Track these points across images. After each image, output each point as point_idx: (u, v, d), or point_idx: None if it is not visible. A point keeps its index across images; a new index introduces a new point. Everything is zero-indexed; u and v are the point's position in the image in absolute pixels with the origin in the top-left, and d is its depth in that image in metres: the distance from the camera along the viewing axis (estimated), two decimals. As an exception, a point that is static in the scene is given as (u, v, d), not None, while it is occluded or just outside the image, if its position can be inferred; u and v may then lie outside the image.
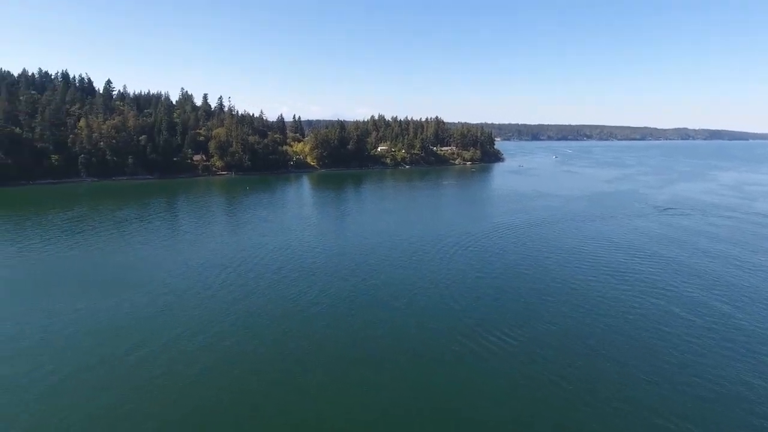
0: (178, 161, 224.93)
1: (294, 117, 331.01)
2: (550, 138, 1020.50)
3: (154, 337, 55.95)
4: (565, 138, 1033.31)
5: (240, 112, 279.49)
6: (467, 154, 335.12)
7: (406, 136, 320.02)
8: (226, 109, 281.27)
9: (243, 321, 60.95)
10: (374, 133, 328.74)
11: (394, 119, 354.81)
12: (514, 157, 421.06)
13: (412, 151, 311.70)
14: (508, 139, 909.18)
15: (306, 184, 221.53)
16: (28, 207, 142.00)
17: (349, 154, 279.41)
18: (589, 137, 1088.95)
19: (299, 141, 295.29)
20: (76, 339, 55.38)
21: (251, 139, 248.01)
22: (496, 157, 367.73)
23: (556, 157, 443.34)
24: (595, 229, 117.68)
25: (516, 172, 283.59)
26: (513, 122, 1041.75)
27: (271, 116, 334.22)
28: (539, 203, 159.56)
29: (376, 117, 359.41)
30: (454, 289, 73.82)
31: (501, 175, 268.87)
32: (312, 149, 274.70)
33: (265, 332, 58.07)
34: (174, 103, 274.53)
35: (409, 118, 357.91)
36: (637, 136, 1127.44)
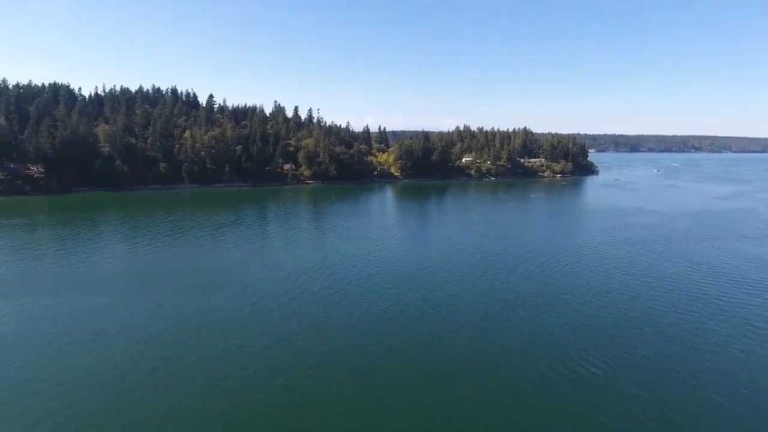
0: (270, 170, 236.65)
1: (379, 128, 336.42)
2: (651, 150, 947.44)
3: (237, 334, 57.47)
4: (668, 150, 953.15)
5: (328, 123, 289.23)
6: (557, 167, 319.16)
7: (492, 147, 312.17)
8: (314, 120, 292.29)
9: (318, 324, 60.95)
10: (459, 144, 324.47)
11: (480, 130, 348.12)
12: (610, 170, 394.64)
13: (498, 163, 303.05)
14: (603, 151, 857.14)
15: (389, 193, 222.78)
16: (140, 209, 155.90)
17: (432, 165, 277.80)
18: (698, 149, 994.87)
19: (384, 151, 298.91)
20: (171, 331, 58.33)
21: (337, 149, 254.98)
22: (590, 169, 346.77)
23: (658, 170, 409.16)
24: (699, 253, 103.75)
25: (611, 186, 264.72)
26: (609, 133, 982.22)
27: (357, 127, 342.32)
28: (636, 220, 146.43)
29: (461, 128, 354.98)
30: (533, 306, 68.90)
31: (594, 189, 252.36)
32: (396, 160, 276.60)
33: (337, 337, 57.65)
34: (268, 115, 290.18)
35: (496, 129, 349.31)
36: (758, 148, 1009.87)
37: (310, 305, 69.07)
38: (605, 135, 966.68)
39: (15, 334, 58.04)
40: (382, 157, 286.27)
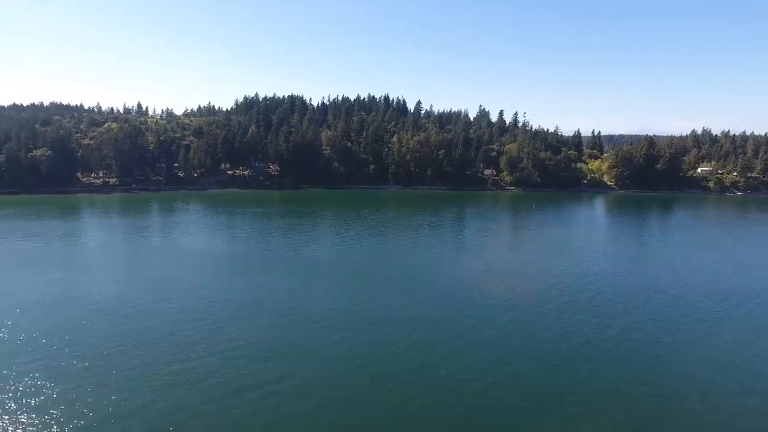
0: (470, 175, 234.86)
1: (592, 132, 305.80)
2: None
3: (427, 334, 54.86)
4: None
5: (534, 128, 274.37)
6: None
7: (740, 155, 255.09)
8: (520, 124, 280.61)
9: (488, 336, 54.30)
10: (694, 151, 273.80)
11: (725, 134, 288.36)
12: None
13: (749, 175, 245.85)
14: None
15: (600, 205, 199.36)
16: (350, 206, 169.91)
17: (656, 175, 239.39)
18: None
19: (597, 158, 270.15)
20: (371, 321, 59.01)
21: (543, 155, 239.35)
22: None
23: None
24: None
25: None
26: None
27: (567, 131, 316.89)
28: None
29: (699, 132, 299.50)
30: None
31: None
32: (610, 168, 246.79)
33: (524, 348, 50.08)
34: (471, 119, 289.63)
35: (747, 133, 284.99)
36: None
37: (508, 313, 62.72)
38: None
39: (247, 306, 65.69)
40: (594, 165, 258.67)
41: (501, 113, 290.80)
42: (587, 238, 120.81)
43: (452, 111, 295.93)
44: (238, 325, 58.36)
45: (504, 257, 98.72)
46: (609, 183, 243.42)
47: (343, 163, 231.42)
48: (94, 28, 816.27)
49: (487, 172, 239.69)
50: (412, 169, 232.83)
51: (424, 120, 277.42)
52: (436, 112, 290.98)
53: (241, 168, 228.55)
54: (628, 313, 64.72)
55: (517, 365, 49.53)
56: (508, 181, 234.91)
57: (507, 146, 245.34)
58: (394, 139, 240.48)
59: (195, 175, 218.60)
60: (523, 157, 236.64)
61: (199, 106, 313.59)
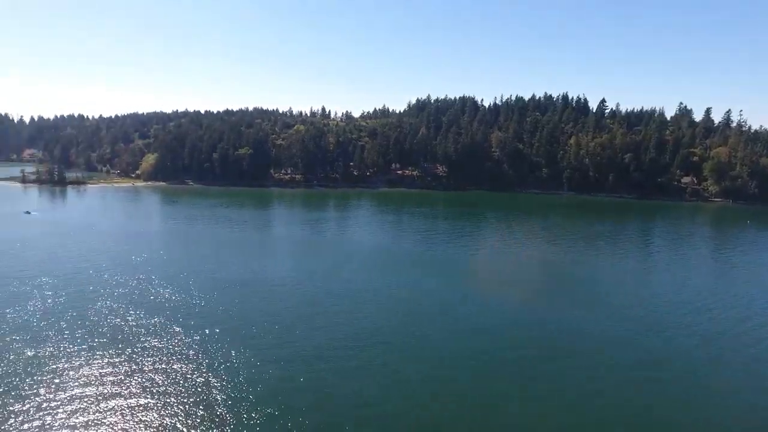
0: (663, 182, 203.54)
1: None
2: None
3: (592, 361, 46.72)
4: None
5: (754, 128, 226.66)
6: None
7: None
8: (733, 124, 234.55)
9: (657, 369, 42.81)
10: None
11: None
12: None
13: None
14: None
15: None
16: (519, 210, 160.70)
17: None
18: None
19: None
20: (528, 339, 53.19)
21: (764, 161, 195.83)
22: None
23: None
24: None
25: None
26: None
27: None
28: None
29: None
30: None
31: None
32: None
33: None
34: (668, 119, 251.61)
35: None
36: None
37: (661, 336, 50.41)
38: None
39: (406, 309, 64.98)
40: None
41: (708, 111, 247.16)
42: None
43: (643, 110, 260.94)
44: (397, 327, 57.50)
45: (704, 285, 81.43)
46: None
47: (512, 166, 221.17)
48: (294, 48, 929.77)
49: (686, 179, 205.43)
50: (590, 173, 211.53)
51: (608, 120, 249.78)
52: (623, 111, 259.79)
53: (410, 168, 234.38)
54: None
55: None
56: (713, 191, 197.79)
57: (714, 150, 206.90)
58: (572, 140, 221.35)
59: (368, 174, 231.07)
60: (735, 164, 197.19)
61: (375, 108, 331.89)
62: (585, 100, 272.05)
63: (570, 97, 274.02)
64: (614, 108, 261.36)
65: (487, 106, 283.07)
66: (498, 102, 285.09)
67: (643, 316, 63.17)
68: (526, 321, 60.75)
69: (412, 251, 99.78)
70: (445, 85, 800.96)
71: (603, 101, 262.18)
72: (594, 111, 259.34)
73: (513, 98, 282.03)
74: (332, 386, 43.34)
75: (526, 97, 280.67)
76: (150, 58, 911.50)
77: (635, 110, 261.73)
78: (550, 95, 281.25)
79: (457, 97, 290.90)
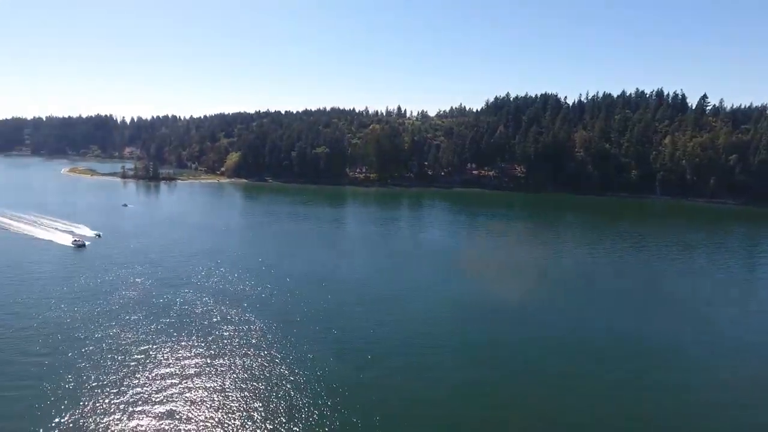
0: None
1: None
2: None
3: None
4: None
5: None
6: None
7: None
8: None
9: None
10: None
11: None
12: None
13: None
14: None
15: None
16: (603, 215, 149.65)
17: None
18: None
19: None
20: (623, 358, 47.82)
21: None
22: None
23: None
24: None
25: None
26: None
27: None
28: None
29: None
30: None
31: None
32: None
33: None
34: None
35: None
36: None
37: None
38: None
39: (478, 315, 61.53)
40: None
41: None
42: None
43: (752, 106, 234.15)
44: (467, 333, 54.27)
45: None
46: None
47: (597, 168, 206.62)
48: (373, 48, 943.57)
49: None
50: (687, 176, 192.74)
51: (710, 117, 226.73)
52: (727, 108, 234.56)
53: (485, 168, 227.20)
54: None
55: None
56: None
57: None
58: (667, 140, 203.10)
59: (442, 173, 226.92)
60: None
61: (451, 107, 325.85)
62: (683, 95, 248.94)
63: (666, 93, 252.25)
64: (717, 104, 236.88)
65: (570, 104, 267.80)
66: (583, 99, 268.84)
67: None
68: (615, 337, 55.01)
69: (486, 254, 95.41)
70: (525, 82, 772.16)
71: (704, 97, 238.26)
72: (693, 108, 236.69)
73: (600, 95, 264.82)
74: (397, 385, 42.00)
75: (615, 94, 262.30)
76: (235, 60, 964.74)
77: (742, 107, 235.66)
78: (642, 91, 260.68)
79: (539, 95, 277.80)
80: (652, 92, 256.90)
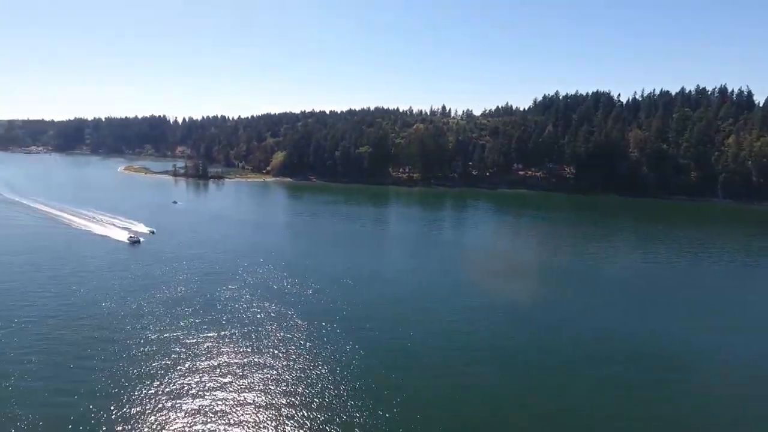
0: None
1: None
2: None
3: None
4: None
5: None
6: None
7: None
8: None
9: None
10: None
11: None
12: None
13: None
14: None
15: None
16: (660, 220, 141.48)
17: None
18: None
19: None
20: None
21: None
22: None
23: None
24: None
25: None
26: None
27: None
28: None
29: None
30: None
31: None
32: None
33: None
34: None
35: None
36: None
37: None
38: None
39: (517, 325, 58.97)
40: None
41: None
42: None
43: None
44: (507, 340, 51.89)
45: None
46: None
47: (653, 169, 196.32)
48: (417, 47, 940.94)
49: None
50: (754, 179, 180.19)
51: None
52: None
53: (533, 169, 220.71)
54: None
55: None
56: None
57: None
58: (730, 140, 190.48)
59: (487, 174, 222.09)
60: None
61: (498, 106, 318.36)
62: (749, 93, 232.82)
63: (730, 90, 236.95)
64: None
65: (624, 102, 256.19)
66: (638, 97, 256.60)
67: None
68: (661, 347, 51.21)
69: (528, 259, 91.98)
70: (575, 80, 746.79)
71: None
72: (761, 106, 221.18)
73: (656, 92, 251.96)
74: (429, 393, 41.14)
75: (673, 91, 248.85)
76: (284, 60, 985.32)
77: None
78: (704, 88, 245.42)
79: (590, 93, 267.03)
80: (714, 89, 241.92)
